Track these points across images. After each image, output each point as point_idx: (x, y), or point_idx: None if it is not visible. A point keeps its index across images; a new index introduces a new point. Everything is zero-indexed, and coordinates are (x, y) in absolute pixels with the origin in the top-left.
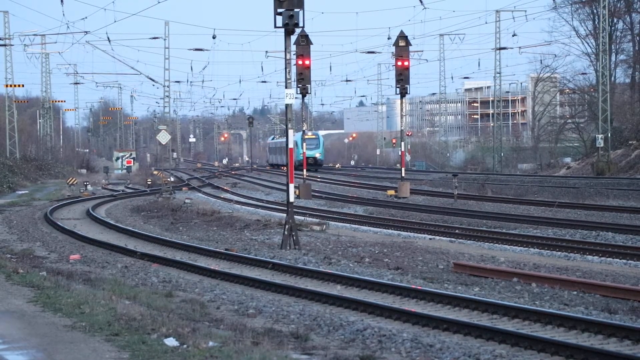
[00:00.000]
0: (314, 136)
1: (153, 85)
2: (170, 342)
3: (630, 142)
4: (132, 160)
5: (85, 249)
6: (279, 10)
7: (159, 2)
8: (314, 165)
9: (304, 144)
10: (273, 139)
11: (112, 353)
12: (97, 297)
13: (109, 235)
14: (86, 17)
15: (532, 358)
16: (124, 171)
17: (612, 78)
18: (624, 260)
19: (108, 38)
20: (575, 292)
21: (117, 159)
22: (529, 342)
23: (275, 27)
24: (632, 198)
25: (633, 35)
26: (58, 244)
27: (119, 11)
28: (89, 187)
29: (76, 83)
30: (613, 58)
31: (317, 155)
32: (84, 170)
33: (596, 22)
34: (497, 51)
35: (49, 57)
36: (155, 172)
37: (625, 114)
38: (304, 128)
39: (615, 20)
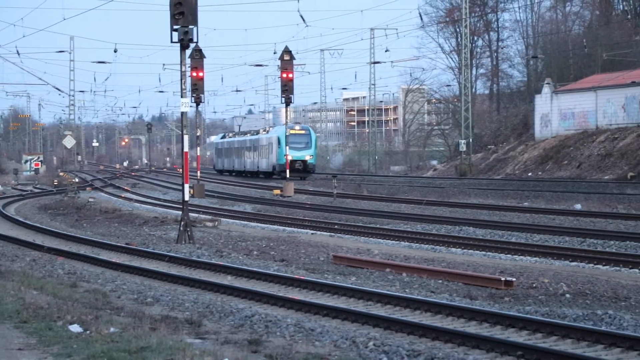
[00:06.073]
0: (303, 131)
1: (59, 94)
2: (75, 328)
3: (488, 146)
4: (39, 162)
5: None
6: (175, 26)
7: (64, 19)
8: (302, 171)
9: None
10: (224, 137)
11: (21, 339)
12: (6, 288)
13: (18, 231)
14: None
15: (402, 340)
16: (33, 173)
17: (473, 89)
18: (484, 252)
19: (17, 51)
20: (440, 281)
21: (26, 161)
22: (400, 326)
23: (172, 42)
24: (490, 196)
25: (491, 52)
26: None
27: (27, 27)
28: None
29: None
30: (474, 72)
31: (308, 157)
32: None
33: (459, 40)
34: (372, 65)
35: None
36: (61, 174)
37: (484, 122)
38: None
39: (475, 38)
